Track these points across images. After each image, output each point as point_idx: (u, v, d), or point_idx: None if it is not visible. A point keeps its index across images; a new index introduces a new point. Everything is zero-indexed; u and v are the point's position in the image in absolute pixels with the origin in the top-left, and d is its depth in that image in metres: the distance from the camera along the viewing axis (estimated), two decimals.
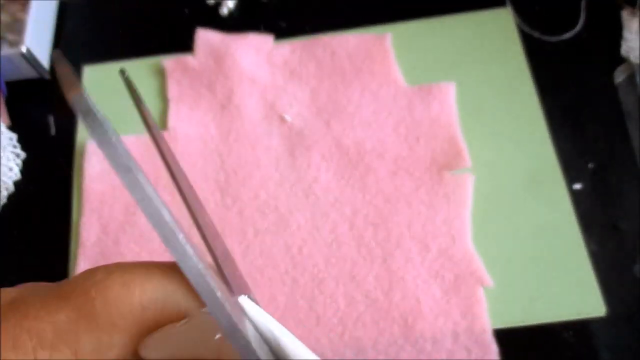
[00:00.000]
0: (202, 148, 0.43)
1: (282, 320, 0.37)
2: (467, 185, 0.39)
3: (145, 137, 0.43)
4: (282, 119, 0.43)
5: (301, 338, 0.39)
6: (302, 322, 0.37)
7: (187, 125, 0.44)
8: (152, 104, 0.45)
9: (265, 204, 0.40)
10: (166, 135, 0.43)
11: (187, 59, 0.46)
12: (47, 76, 0.47)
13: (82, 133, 0.45)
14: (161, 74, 0.46)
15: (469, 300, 0.36)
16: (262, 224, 0.40)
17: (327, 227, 0.39)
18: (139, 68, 0.47)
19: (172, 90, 0.45)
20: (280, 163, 0.41)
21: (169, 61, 0.46)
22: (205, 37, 0.46)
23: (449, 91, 0.42)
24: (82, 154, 0.43)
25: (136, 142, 0.43)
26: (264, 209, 0.40)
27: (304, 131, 0.42)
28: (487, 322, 0.35)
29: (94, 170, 0.42)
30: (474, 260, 0.37)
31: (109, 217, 0.41)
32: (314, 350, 0.37)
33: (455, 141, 0.41)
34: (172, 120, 0.44)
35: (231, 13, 0.49)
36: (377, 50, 0.44)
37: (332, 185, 0.40)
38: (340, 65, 0.44)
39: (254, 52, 0.45)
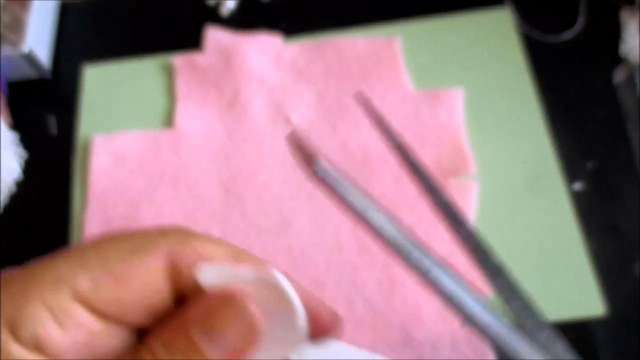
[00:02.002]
0: (207, 146, 0.43)
1: None
2: (471, 193, 0.39)
3: (150, 133, 0.44)
4: (288, 120, 0.43)
5: None
6: None
7: (193, 123, 0.44)
8: (157, 101, 0.45)
9: (268, 204, 0.40)
10: (173, 132, 0.43)
11: (196, 57, 0.46)
12: (48, 76, 0.47)
13: (85, 130, 0.45)
14: (166, 72, 0.46)
15: None
16: (265, 224, 0.40)
17: (329, 230, 0.39)
18: (142, 66, 0.47)
19: (181, 88, 0.45)
20: (285, 164, 0.41)
21: (178, 59, 0.46)
22: (215, 35, 0.47)
23: (457, 97, 0.42)
24: (85, 150, 0.43)
25: (141, 138, 0.43)
26: (266, 209, 0.40)
27: (309, 133, 0.42)
28: None
29: (101, 165, 0.43)
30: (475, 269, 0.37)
31: (113, 211, 0.41)
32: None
33: (460, 148, 0.40)
34: (179, 117, 0.44)
35: (231, 13, 0.49)
36: (385, 54, 0.44)
37: None
38: (348, 68, 0.44)
39: (263, 52, 0.45)
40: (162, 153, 0.43)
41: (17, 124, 0.45)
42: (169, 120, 0.44)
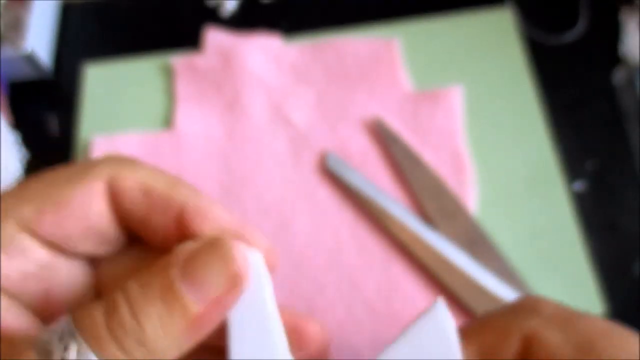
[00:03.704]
0: (207, 148, 0.43)
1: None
2: (471, 194, 0.39)
3: (150, 135, 0.44)
4: (288, 121, 0.43)
5: None
6: None
7: (193, 125, 0.44)
8: (157, 102, 0.45)
9: (268, 205, 0.40)
10: (173, 134, 0.43)
11: (195, 58, 0.46)
12: (49, 76, 0.47)
13: (86, 130, 0.45)
14: (166, 73, 0.46)
15: None
16: (264, 226, 0.40)
17: (329, 231, 0.39)
18: (142, 67, 0.47)
19: (180, 90, 0.45)
20: (285, 165, 0.41)
21: (178, 60, 0.46)
22: (214, 36, 0.47)
23: (456, 97, 0.42)
24: (86, 151, 0.44)
25: (141, 140, 0.43)
26: (266, 210, 0.40)
27: (309, 134, 0.42)
28: None
29: None
30: None
31: None
32: None
33: (458, 151, 0.40)
34: (179, 119, 0.44)
35: (232, 14, 0.49)
36: (385, 55, 0.44)
37: (336, 190, 0.40)
38: (347, 70, 0.44)
39: (263, 53, 0.45)
40: (162, 154, 0.43)
41: (18, 124, 0.45)
42: (169, 121, 0.45)
